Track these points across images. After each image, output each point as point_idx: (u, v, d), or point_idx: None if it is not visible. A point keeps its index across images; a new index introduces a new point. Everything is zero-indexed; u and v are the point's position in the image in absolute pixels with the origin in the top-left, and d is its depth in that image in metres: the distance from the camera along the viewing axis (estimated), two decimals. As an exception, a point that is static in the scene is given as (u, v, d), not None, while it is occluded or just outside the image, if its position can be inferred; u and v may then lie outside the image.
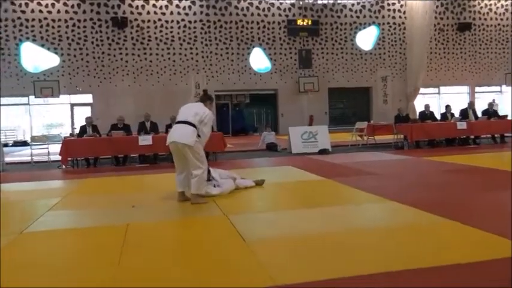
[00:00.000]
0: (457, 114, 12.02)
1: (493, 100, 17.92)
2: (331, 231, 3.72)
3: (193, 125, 4.99)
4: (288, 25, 20.47)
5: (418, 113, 12.37)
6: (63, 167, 9.46)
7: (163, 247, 3.49)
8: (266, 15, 20.42)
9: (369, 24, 21.09)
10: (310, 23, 20.57)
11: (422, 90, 20.55)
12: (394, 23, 21.69)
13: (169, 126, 10.20)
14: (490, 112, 12.24)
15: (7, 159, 11.20)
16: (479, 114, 12.30)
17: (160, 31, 19.41)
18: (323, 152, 10.71)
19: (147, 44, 19.31)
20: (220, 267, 2.98)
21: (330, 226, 3.92)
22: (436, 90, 22.67)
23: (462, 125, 11.05)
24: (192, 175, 4.97)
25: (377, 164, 8.40)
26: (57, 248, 3.59)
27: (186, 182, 5.15)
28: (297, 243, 3.41)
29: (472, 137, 11.75)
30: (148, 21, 19.29)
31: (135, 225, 4.14)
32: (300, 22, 20.48)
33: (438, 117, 12.16)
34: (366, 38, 20.95)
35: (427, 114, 11.80)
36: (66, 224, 4.45)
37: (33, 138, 12.08)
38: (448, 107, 12.18)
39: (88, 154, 9.71)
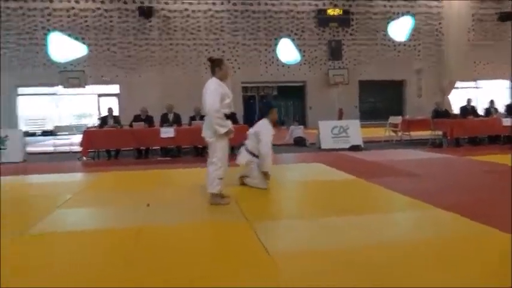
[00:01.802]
0: (501, 110, 11.12)
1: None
2: (363, 245, 3.16)
3: None
4: (317, 15, 19.73)
5: (459, 108, 11.46)
6: (84, 158, 9.18)
7: (174, 257, 3.02)
8: (295, 5, 19.73)
9: (403, 14, 20.07)
10: (341, 12, 19.77)
11: (457, 83, 19.48)
12: (430, 13, 20.60)
13: (192, 118, 9.77)
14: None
15: (31, 149, 11.09)
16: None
17: (187, 21, 19.05)
18: (355, 148, 10.05)
19: (173, 34, 18.99)
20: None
21: (362, 239, 3.35)
22: (473, 84, 21.49)
23: (508, 121, 10.17)
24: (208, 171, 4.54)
25: (414, 163, 7.71)
26: (52, 255, 3.17)
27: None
28: (324, 258, 2.89)
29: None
30: (175, 10, 18.95)
31: (147, 229, 3.70)
32: (330, 12, 19.72)
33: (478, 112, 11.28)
34: (400, 29, 19.88)
35: (468, 109, 10.95)
36: (70, 226, 3.99)
37: (57, 128, 11.90)
38: (492, 101, 11.27)
39: (109, 146, 9.40)
